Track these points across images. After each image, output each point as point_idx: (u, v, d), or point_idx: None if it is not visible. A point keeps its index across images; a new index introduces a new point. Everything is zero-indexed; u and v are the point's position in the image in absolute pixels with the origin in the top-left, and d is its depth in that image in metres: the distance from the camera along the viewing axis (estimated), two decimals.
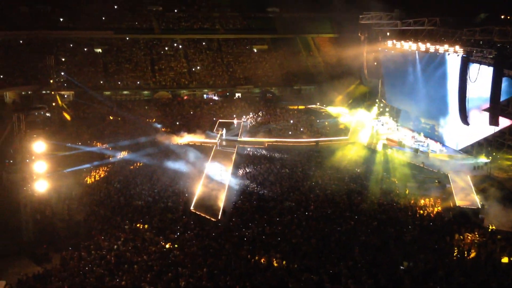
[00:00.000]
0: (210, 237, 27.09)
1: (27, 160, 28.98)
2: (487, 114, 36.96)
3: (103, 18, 72.88)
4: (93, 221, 29.51)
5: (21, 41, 67.19)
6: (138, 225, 28.79)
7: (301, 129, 51.82)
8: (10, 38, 66.78)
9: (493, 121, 36.28)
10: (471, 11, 57.20)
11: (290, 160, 42.25)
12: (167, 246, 26.25)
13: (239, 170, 39.19)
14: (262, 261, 24.31)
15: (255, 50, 76.19)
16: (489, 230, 28.81)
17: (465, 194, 33.40)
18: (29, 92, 60.85)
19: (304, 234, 27.24)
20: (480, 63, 38.08)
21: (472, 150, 41.54)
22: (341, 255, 24.61)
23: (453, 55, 40.85)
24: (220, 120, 54.75)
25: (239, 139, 48.70)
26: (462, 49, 39.66)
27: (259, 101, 65.69)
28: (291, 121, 55.31)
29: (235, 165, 40.38)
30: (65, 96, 61.29)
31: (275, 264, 24.02)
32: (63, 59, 66.42)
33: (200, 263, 23.76)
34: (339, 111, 59.27)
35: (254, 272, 23.06)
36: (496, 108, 35.78)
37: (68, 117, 55.20)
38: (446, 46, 41.65)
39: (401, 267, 23.35)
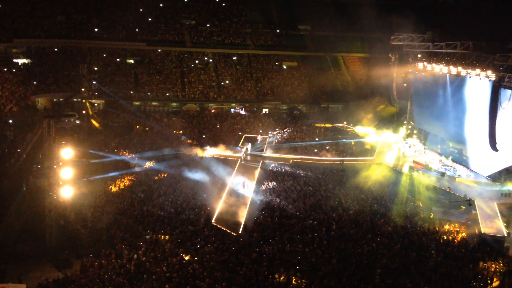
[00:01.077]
0: (229, 251, 27.09)
1: (55, 166, 29.52)
2: None
3: (137, 29, 74.25)
4: (115, 230, 29.84)
5: (56, 49, 68.69)
6: (159, 236, 28.97)
7: (327, 147, 51.53)
8: (45, 46, 68.28)
9: None
10: (505, 36, 56.47)
11: (314, 178, 42.02)
12: (187, 258, 26.32)
13: (263, 186, 39.15)
14: (281, 278, 24.16)
15: (285, 67, 76.38)
16: None
17: (491, 222, 32.67)
18: (61, 99, 62.08)
19: (324, 253, 27.04)
20: None
21: (500, 177, 40.63)
22: (361, 277, 24.32)
23: (484, 80, 40.22)
24: (246, 135, 54.88)
25: (264, 154, 48.69)
26: (494, 74, 39.06)
27: (286, 118, 65.69)
28: (317, 139, 55.10)
29: (259, 180, 40.36)
30: (96, 104, 62.41)
31: (294, 283, 23.85)
32: (96, 68, 67.72)
33: (218, 278, 23.75)
34: (366, 131, 58.79)
35: None
36: None
37: (97, 125, 56.10)
38: (478, 71, 41.06)
39: None
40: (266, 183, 39.92)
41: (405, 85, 56.87)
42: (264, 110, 68.29)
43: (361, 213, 33.87)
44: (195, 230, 30.02)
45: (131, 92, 66.21)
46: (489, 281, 25.18)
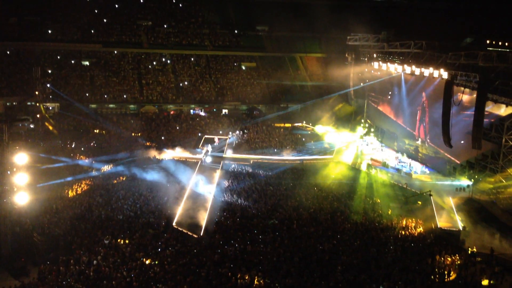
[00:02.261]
0: (191, 254, 26.87)
1: (8, 172, 28.60)
2: (470, 137, 37.37)
3: (92, 31, 72.90)
4: (73, 235, 29.12)
5: (8, 52, 66.76)
6: (118, 240, 28.48)
7: (287, 147, 51.89)
8: None
9: (476, 145, 36.66)
10: (458, 35, 58.35)
11: (275, 177, 42.23)
12: (148, 262, 25.97)
13: (223, 187, 39.04)
14: (243, 279, 24.14)
15: (244, 67, 76.50)
16: (470, 252, 29.00)
17: (447, 216, 33.61)
18: (14, 103, 60.34)
19: (286, 252, 27.15)
20: (465, 86, 38.64)
21: (454, 172, 41.87)
22: (322, 274, 24.55)
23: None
24: (206, 136, 54.67)
25: (224, 155, 48.60)
26: (446, 73, 40.22)
27: (246, 118, 65.79)
28: (277, 139, 55.44)
29: (219, 181, 40.22)
30: (50, 108, 60.97)
31: (256, 283, 23.87)
32: (50, 71, 66.06)
33: (180, 280, 23.53)
34: (325, 130, 59.54)
35: None
36: (479, 132, 36.18)
37: (52, 129, 54.72)
38: (431, 69, 42.23)
39: None
40: (227, 184, 39.84)
41: (361, 84, 57.94)
42: (223, 111, 68.23)
43: (321, 211, 34.21)
44: (156, 233, 29.64)
45: (87, 94, 64.88)
46: (446, 274, 25.86)
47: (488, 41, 52.48)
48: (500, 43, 50.34)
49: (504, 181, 37.07)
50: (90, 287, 23.28)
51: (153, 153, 46.99)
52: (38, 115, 55.42)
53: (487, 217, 34.03)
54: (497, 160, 37.39)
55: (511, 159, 36.83)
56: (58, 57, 68.91)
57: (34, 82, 55.78)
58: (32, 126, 53.81)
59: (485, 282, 25.21)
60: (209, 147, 49.52)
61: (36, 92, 56.29)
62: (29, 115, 55.82)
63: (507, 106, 35.91)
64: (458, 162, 42.17)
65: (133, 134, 55.21)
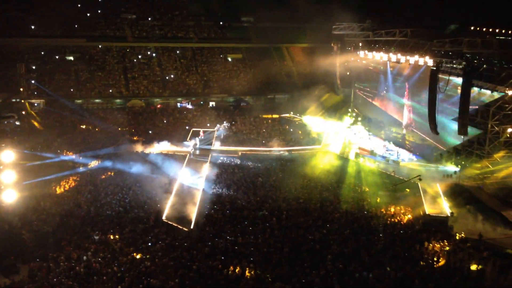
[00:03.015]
0: (182, 247, 26.86)
1: None
2: (456, 123, 37.68)
3: (76, 25, 72.07)
4: (62, 232, 28.97)
5: None
6: (108, 236, 28.37)
7: (275, 138, 51.92)
8: None
9: (462, 131, 36.98)
10: (442, 22, 58.59)
11: (264, 169, 42.29)
12: (138, 256, 25.93)
13: (213, 179, 39.01)
14: (236, 270, 24.20)
15: (230, 59, 76.17)
16: (458, 238, 29.29)
17: (434, 203, 33.83)
18: None
19: (276, 243, 27.25)
20: (450, 73, 38.90)
21: (441, 159, 42.19)
22: (313, 264, 24.67)
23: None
24: (193, 129, 54.49)
25: (212, 148, 48.50)
26: (432, 60, 40.42)
27: (233, 110, 65.69)
28: (264, 130, 55.44)
29: (208, 174, 40.18)
30: (36, 104, 60.31)
31: (248, 274, 23.93)
32: (34, 67, 65.20)
33: (171, 274, 23.53)
34: (313, 120, 59.64)
35: (226, 282, 22.96)
36: (465, 118, 36.47)
37: (38, 125, 54.23)
38: (416, 57, 42.41)
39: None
40: (216, 176, 39.80)
41: (348, 73, 58.07)
42: (210, 103, 68.03)
43: (311, 201, 34.35)
44: (145, 227, 29.59)
45: (72, 90, 64.28)
46: (435, 260, 26.12)
47: (472, 28, 52.81)
48: (484, 30, 50.68)
49: (490, 166, 37.50)
50: (80, 283, 23.20)
51: (140, 147, 46.74)
52: (23, 112, 54.90)
53: (475, 202, 34.33)
54: (483, 146, 37.76)
55: (497, 145, 37.21)
56: (42, 53, 68.02)
57: (19, 78, 55.24)
58: (18, 123, 53.29)
59: (473, 267, 25.48)
60: (197, 140, 49.37)
61: (21, 89, 55.71)
62: (14, 112, 55.21)
63: (492, 92, 36.24)
64: (444, 148, 42.52)
65: (120, 128, 54.89)
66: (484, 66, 36.48)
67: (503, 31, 49.43)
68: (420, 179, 36.47)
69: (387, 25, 50.26)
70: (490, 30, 49.71)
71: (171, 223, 30.73)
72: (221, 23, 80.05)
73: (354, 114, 57.40)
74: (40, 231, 29.29)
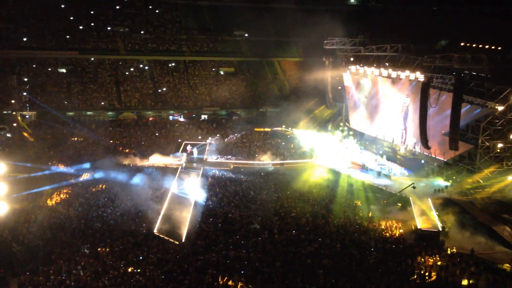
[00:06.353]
0: (173, 261, 26.71)
1: None
2: (447, 138, 37.95)
3: (68, 38, 72.05)
4: (52, 245, 28.72)
5: None
6: (99, 249, 28.16)
7: (267, 152, 51.92)
8: None
9: (453, 146, 37.25)
10: (433, 38, 59.32)
11: (256, 182, 42.23)
12: (129, 270, 25.73)
13: (204, 192, 38.89)
14: (229, 283, 24.07)
15: (222, 73, 76.45)
16: (449, 253, 29.38)
17: (426, 217, 33.91)
18: None
19: (268, 257, 27.17)
20: (441, 88, 39.25)
21: (432, 173, 42.38)
22: (305, 278, 24.61)
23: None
24: (185, 142, 54.37)
25: (204, 160, 48.43)
26: (422, 75, 40.79)
27: (225, 123, 65.76)
28: (256, 143, 55.49)
29: (200, 187, 40.05)
30: (27, 116, 60.05)
31: None
32: (26, 79, 64.97)
33: None
34: (305, 133, 59.77)
35: None
36: (456, 133, 36.77)
37: (29, 137, 53.94)
38: (407, 72, 42.80)
39: None
40: (208, 189, 39.70)
41: (339, 88, 58.40)
42: (203, 116, 68.10)
43: (303, 214, 34.32)
44: (137, 241, 29.41)
45: (65, 102, 64.10)
46: (427, 275, 26.14)
47: (462, 44, 53.49)
48: (474, 46, 51.32)
49: (481, 181, 37.71)
50: None
51: (132, 160, 46.59)
52: (14, 124, 54.62)
53: (466, 217, 34.44)
54: (474, 161, 38.02)
55: (487, 160, 37.48)
56: (34, 65, 67.81)
57: (10, 90, 54.96)
58: (9, 135, 52.99)
59: (465, 282, 25.55)
60: (189, 153, 49.28)
61: (12, 101, 55.43)
62: (5, 124, 54.93)
63: (482, 107, 36.58)
64: (435, 164, 42.75)
65: (111, 141, 54.71)
66: (474, 81, 36.90)
67: (493, 47, 50.10)
68: (414, 187, 36.63)
69: (378, 40, 50.73)
70: (480, 46, 50.32)
71: (162, 236, 30.59)
72: (213, 36, 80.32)
73: (345, 128, 57.62)
74: (31, 244, 29.03)
